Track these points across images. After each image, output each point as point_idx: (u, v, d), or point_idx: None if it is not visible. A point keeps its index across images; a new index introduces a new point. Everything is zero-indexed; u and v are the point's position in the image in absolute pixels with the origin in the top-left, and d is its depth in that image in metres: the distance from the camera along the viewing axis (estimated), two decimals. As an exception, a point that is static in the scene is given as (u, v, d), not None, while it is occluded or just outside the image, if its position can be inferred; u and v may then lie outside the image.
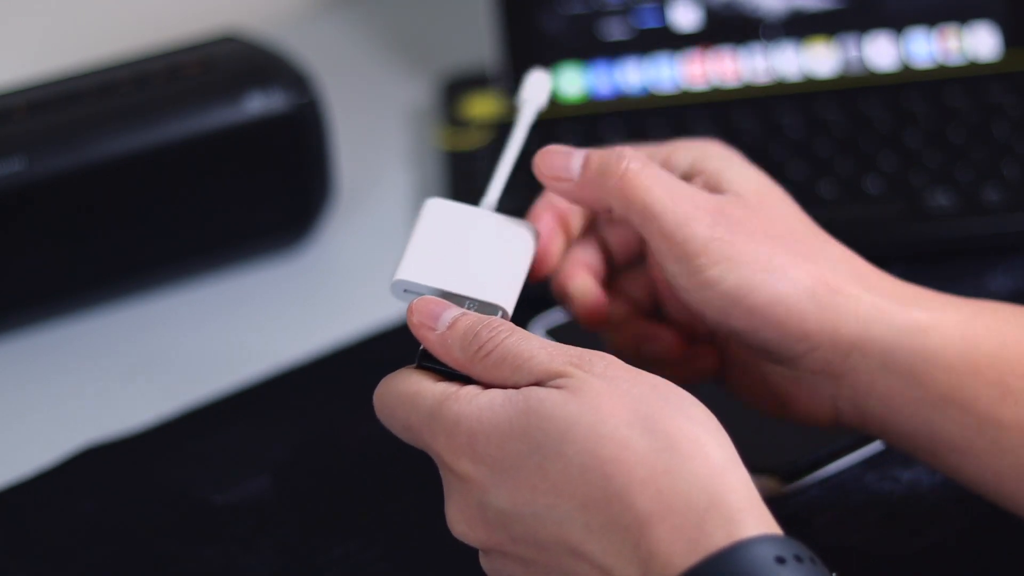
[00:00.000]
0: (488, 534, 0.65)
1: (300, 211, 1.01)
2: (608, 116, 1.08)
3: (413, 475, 0.85)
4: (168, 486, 0.85)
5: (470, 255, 0.71)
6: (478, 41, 1.13)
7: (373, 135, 1.13)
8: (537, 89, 0.79)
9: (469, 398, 0.64)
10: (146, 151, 0.95)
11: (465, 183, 1.04)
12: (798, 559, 0.60)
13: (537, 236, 0.74)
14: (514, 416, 0.63)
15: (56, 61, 1.09)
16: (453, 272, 0.70)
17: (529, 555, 0.64)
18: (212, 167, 0.97)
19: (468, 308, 0.68)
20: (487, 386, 0.66)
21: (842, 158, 1.03)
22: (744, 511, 0.61)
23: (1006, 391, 0.71)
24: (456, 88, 1.12)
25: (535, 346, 0.65)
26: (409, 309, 0.68)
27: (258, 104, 0.96)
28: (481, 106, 1.10)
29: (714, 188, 0.74)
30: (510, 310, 0.69)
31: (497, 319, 0.66)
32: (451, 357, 0.66)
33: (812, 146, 1.04)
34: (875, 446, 0.82)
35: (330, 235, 1.04)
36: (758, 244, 0.72)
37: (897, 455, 0.82)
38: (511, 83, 1.09)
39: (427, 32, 1.23)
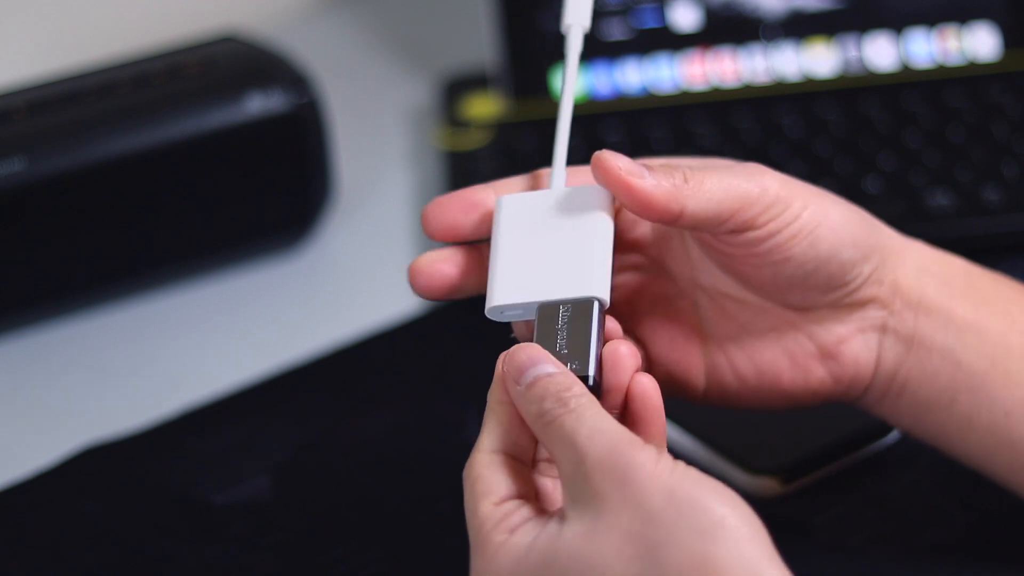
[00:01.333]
0: None
1: (300, 211, 1.01)
2: (608, 116, 1.08)
3: (413, 475, 0.85)
4: (168, 486, 0.85)
5: (554, 250, 0.70)
6: (478, 41, 1.13)
7: (373, 135, 1.13)
8: (579, 9, 0.74)
9: (492, 553, 0.63)
10: (146, 151, 0.95)
11: (465, 183, 1.04)
12: None
13: (611, 200, 0.71)
14: (531, 573, 0.62)
15: (56, 61, 1.09)
16: (541, 277, 0.69)
17: None
18: (212, 167, 0.97)
19: (564, 313, 0.67)
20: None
21: (842, 158, 1.03)
22: None
23: (1013, 320, 0.74)
24: (456, 88, 1.12)
25: (582, 436, 0.62)
26: (500, 358, 0.66)
27: (258, 104, 0.97)
28: (481, 106, 1.10)
29: None
30: (606, 297, 0.67)
31: (572, 388, 0.64)
32: (524, 415, 0.65)
33: (812, 146, 1.04)
34: (875, 447, 0.82)
35: (330, 235, 1.04)
36: (806, 186, 0.73)
37: (897, 455, 0.82)
38: (511, 83, 1.09)
39: (427, 32, 1.23)
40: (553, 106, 1.09)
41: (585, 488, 0.61)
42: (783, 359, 0.74)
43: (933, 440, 0.75)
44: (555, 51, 1.10)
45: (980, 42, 1.09)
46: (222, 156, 0.97)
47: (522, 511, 0.64)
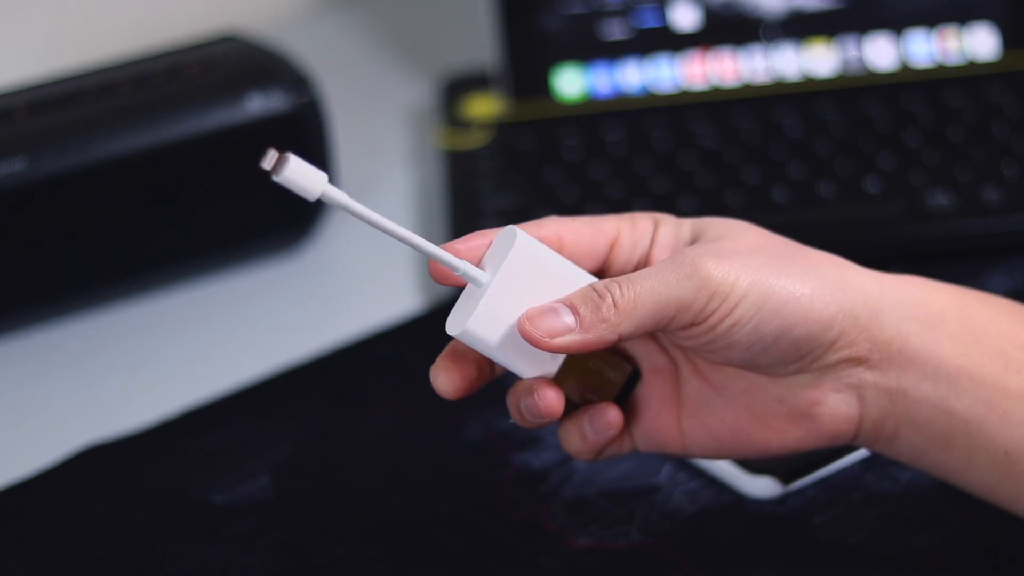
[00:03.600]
0: None
1: (300, 211, 1.01)
2: (608, 116, 1.08)
3: (412, 475, 0.85)
4: (168, 486, 0.85)
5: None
6: (478, 41, 1.13)
7: (373, 135, 1.13)
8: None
9: None
10: (146, 151, 0.95)
11: (465, 183, 1.04)
12: None
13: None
14: None
15: (57, 61, 1.09)
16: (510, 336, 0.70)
17: None
18: (212, 167, 0.97)
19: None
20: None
21: (842, 158, 1.03)
22: None
23: (1008, 360, 0.72)
24: (456, 88, 1.12)
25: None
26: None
27: (258, 104, 0.97)
28: (481, 106, 1.10)
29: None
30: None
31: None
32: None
33: (812, 146, 1.04)
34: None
35: (330, 235, 1.04)
36: (751, 257, 0.72)
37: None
38: (511, 83, 1.09)
39: (427, 32, 1.23)
40: (554, 106, 1.09)
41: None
42: (754, 423, 0.73)
43: (935, 475, 0.73)
44: (555, 51, 1.10)
45: (980, 42, 1.09)
46: (222, 156, 0.97)
47: None
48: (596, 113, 1.08)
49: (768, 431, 0.73)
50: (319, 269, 1.02)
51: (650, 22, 1.10)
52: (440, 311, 0.97)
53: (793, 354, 0.72)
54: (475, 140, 1.07)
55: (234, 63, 0.98)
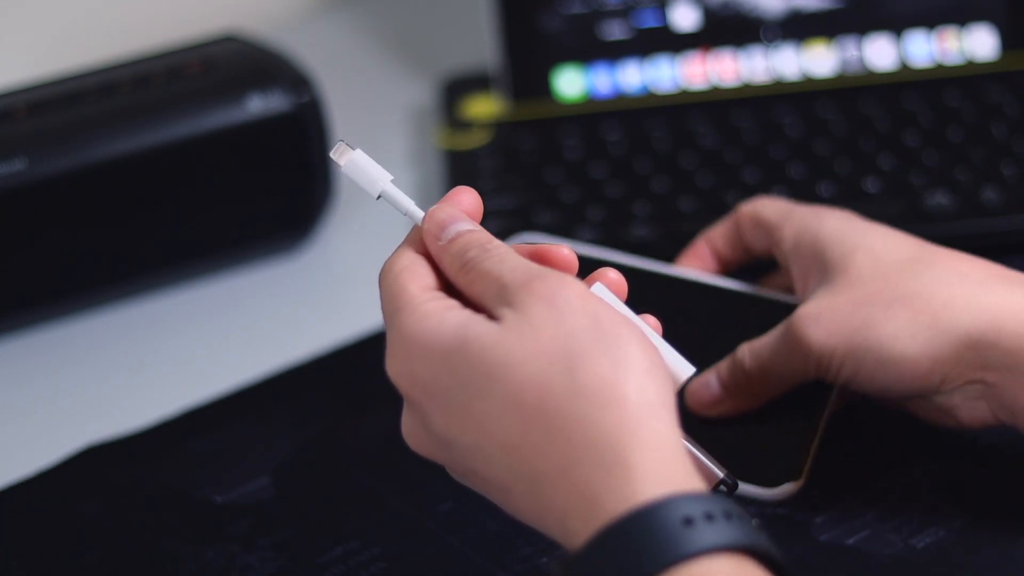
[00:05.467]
0: (432, 451, 0.67)
1: (300, 211, 1.01)
2: (608, 116, 1.08)
3: (412, 475, 0.85)
4: (168, 486, 0.85)
5: None
6: (478, 41, 1.13)
7: (373, 135, 1.13)
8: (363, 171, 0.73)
9: (422, 316, 0.65)
10: (146, 151, 0.95)
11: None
12: (709, 517, 0.60)
13: None
14: (449, 350, 0.64)
15: (57, 62, 1.09)
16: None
17: (475, 476, 0.65)
18: (212, 167, 0.97)
19: None
20: (468, 302, 0.67)
21: (842, 158, 1.03)
22: (647, 470, 0.60)
23: None
24: (456, 88, 1.12)
25: (505, 268, 0.66)
26: (425, 216, 0.69)
27: (258, 104, 0.97)
28: (481, 106, 1.10)
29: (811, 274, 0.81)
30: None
31: (493, 240, 0.68)
32: (446, 269, 0.68)
33: (812, 146, 1.04)
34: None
35: (330, 235, 1.04)
36: (855, 309, 0.77)
37: (897, 456, 0.82)
38: (511, 83, 1.09)
39: (427, 32, 1.23)
40: (554, 106, 1.09)
41: (513, 300, 0.64)
42: (943, 412, 0.79)
43: None
44: (555, 51, 1.10)
45: (979, 44, 1.09)
46: (222, 156, 0.97)
47: (452, 300, 0.67)
48: (596, 113, 1.08)
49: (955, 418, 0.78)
50: (319, 269, 1.02)
51: (650, 22, 1.10)
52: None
53: (907, 396, 0.78)
54: (475, 140, 1.07)
55: (234, 63, 0.98)
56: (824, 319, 0.77)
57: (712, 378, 0.81)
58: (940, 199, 0.99)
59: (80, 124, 0.94)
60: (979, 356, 0.75)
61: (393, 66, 1.20)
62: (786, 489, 0.79)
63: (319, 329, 0.96)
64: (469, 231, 0.68)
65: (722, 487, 0.68)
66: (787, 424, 0.81)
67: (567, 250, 0.69)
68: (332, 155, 0.70)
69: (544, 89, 1.09)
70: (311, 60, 1.04)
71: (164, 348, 0.96)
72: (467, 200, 0.70)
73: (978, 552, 0.77)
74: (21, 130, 0.93)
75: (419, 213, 0.70)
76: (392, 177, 0.71)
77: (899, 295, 0.76)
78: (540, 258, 0.68)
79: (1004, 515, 0.78)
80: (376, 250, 1.03)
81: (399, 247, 0.69)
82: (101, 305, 0.99)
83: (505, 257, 0.66)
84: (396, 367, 0.66)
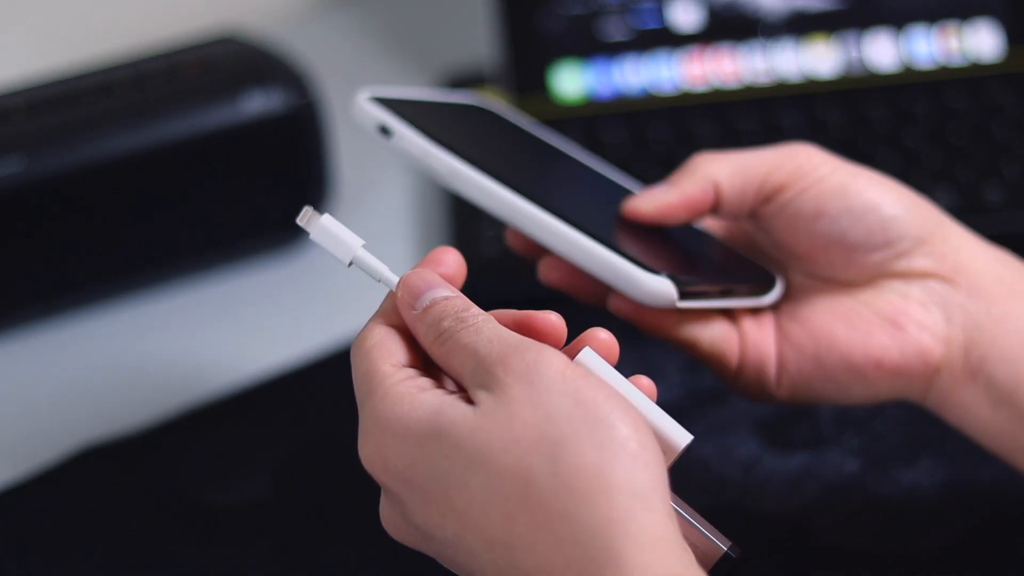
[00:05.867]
0: (415, 542, 0.64)
1: (300, 211, 1.00)
2: (608, 117, 1.08)
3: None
4: (168, 486, 0.85)
5: None
6: (478, 40, 1.13)
7: (373, 135, 1.12)
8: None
9: (395, 399, 0.62)
10: (145, 151, 0.95)
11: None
12: None
13: None
14: (424, 436, 0.60)
15: (55, 61, 1.09)
16: None
17: (461, 570, 0.62)
18: (211, 167, 0.97)
19: None
20: (445, 375, 0.64)
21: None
22: (640, 565, 0.56)
23: None
24: (456, 86, 1.12)
25: (481, 340, 0.62)
26: (399, 283, 0.66)
27: (257, 104, 0.96)
28: (481, 106, 1.10)
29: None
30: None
31: (470, 308, 0.64)
32: (421, 339, 0.65)
33: (812, 146, 1.04)
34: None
35: (330, 235, 1.04)
36: (835, 166, 0.75)
37: (897, 456, 0.82)
38: (511, 83, 1.09)
39: (427, 31, 1.23)
40: (553, 107, 1.09)
41: (489, 380, 0.60)
42: (839, 323, 0.74)
43: (1010, 441, 0.72)
44: (555, 51, 1.10)
45: (981, 40, 1.09)
46: (221, 156, 0.97)
47: (426, 379, 0.63)
48: (596, 114, 1.08)
49: (854, 332, 0.73)
50: (319, 269, 1.02)
51: (650, 22, 1.10)
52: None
53: (879, 234, 0.73)
54: (475, 140, 1.07)
55: (233, 63, 0.98)
56: (810, 149, 0.76)
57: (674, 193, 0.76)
58: (942, 198, 0.99)
59: (78, 124, 0.94)
60: (968, 253, 0.74)
61: (393, 66, 1.20)
62: (662, 286, 0.75)
63: (319, 329, 0.96)
64: (445, 298, 0.65)
65: (726, 558, 0.64)
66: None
67: (554, 317, 0.65)
68: (299, 221, 0.67)
69: (544, 89, 1.09)
70: (311, 60, 1.04)
71: (164, 348, 0.96)
72: (448, 261, 0.67)
73: (980, 555, 0.77)
74: (19, 130, 0.93)
75: (393, 279, 0.67)
76: (364, 242, 0.68)
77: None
78: (523, 326, 0.65)
79: (1004, 518, 0.78)
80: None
81: (370, 320, 0.67)
82: (101, 305, 0.98)
83: (482, 327, 0.63)
84: (369, 453, 0.62)
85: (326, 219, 0.67)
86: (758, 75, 1.09)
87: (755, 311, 0.76)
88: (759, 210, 0.76)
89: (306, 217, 0.67)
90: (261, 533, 0.82)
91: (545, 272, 0.77)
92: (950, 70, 1.08)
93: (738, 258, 0.78)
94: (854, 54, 1.09)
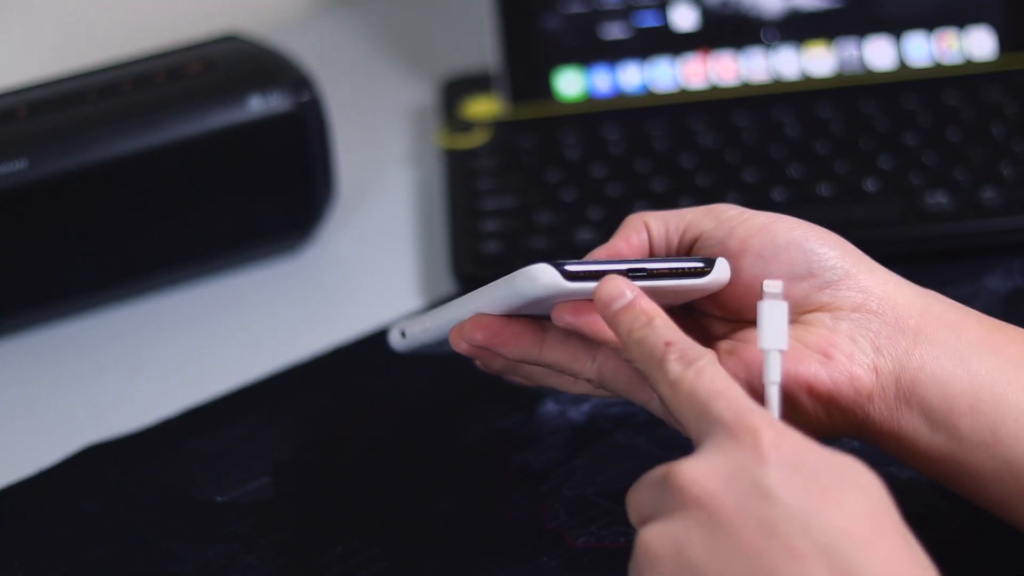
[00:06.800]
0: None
1: (300, 211, 1.01)
2: (608, 115, 1.08)
3: (412, 474, 0.85)
4: (168, 486, 0.85)
5: None
6: (478, 41, 1.13)
7: (373, 135, 1.13)
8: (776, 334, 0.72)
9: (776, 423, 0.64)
10: (147, 151, 0.95)
11: (465, 183, 1.05)
12: None
13: None
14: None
15: (57, 63, 1.09)
16: None
17: None
18: (213, 167, 0.97)
19: None
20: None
21: (841, 158, 1.03)
22: None
23: None
24: (456, 88, 1.12)
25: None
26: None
27: (259, 104, 0.97)
28: (481, 106, 1.10)
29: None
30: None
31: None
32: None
33: (811, 146, 1.04)
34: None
35: (330, 235, 1.04)
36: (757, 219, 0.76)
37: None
38: (511, 83, 1.09)
39: (427, 33, 1.23)
40: (553, 106, 1.09)
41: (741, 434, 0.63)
42: (828, 342, 0.74)
43: (950, 465, 0.72)
44: (555, 51, 1.10)
45: (977, 46, 1.09)
46: (223, 156, 0.97)
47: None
48: (596, 113, 1.08)
49: (784, 361, 0.72)
50: (319, 269, 1.02)
51: (650, 22, 1.10)
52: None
53: (803, 266, 0.74)
54: (475, 140, 1.08)
55: (235, 63, 0.98)
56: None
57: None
58: (939, 199, 0.99)
59: (81, 124, 0.94)
60: (895, 288, 0.74)
61: (393, 66, 1.20)
62: (721, 270, 0.76)
63: (319, 329, 0.96)
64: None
65: None
66: None
67: None
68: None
69: (544, 89, 1.10)
70: (311, 60, 1.04)
71: (164, 348, 0.96)
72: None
73: (976, 551, 0.77)
74: (22, 130, 0.94)
75: None
76: None
77: None
78: None
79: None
80: (376, 250, 1.04)
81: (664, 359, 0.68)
82: (101, 305, 0.99)
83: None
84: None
85: None
86: (757, 74, 1.09)
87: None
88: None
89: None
90: (262, 532, 0.82)
91: (471, 335, 0.77)
92: (946, 69, 1.08)
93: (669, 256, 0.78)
94: (852, 53, 1.09)
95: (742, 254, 0.75)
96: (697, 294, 0.75)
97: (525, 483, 0.84)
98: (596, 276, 0.72)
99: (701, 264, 0.74)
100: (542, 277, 0.72)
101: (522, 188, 1.03)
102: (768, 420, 0.63)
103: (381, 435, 0.88)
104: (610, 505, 0.82)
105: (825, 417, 0.74)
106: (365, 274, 1.02)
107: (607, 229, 0.99)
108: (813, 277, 0.74)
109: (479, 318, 0.76)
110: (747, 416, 0.63)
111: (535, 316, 0.76)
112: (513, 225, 1.01)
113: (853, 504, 0.62)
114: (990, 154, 1.02)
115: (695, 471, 0.62)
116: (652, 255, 0.78)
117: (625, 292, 0.70)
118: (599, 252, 0.78)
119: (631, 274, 0.72)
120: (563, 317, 0.74)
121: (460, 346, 0.77)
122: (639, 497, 0.65)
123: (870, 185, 1.01)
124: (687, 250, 0.77)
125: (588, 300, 0.72)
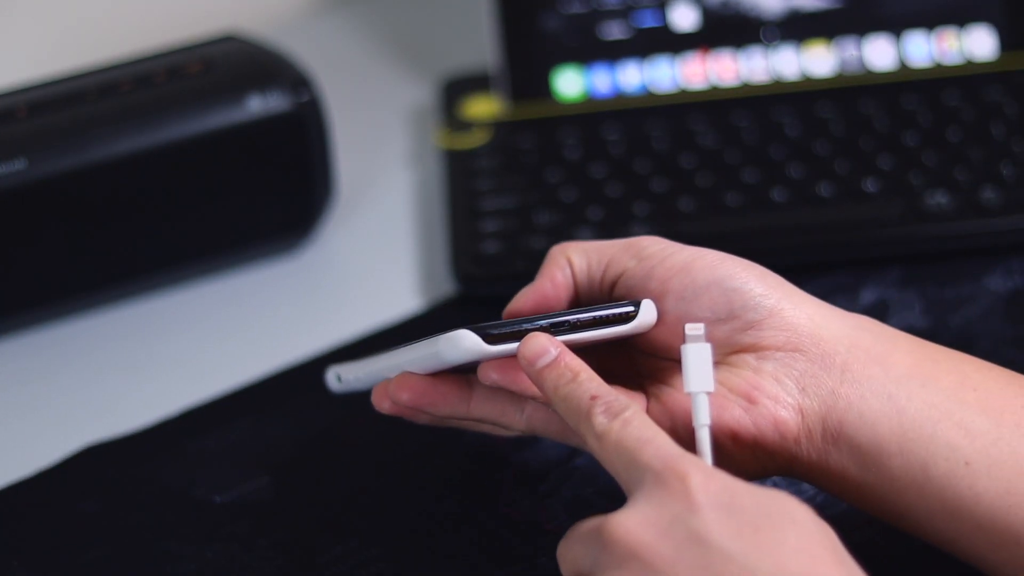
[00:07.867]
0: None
1: (300, 211, 1.01)
2: (607, 115, 1.08)
3: (412, 474, 0.85)
4: (168, 486, 0.86)
5: None
6: (478, 41, 1.13)
7: (373, 135, 1.13)
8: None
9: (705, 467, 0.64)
10: (146, 151, 0.95)
11: (465, 183, 1.05)
12: None
13: None
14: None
15: (57, 63, 1.09)
16: None
17: None
18: (212, 167, 0.97)
19: None
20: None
21: (841, 158, 1.03)
22: None
23: (963, 378, 0.71)
24: (456, 88, 1.12)
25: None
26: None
27: (258, 104, 0.97)
28: (481, 106, 1.10)
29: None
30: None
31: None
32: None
33: (811, 146, 1.04)
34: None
35: (330, 235, 1.04)
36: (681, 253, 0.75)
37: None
38: (511, 83, 1.09)
39: (427, 33, 1.23)
40: (553, 106, 1.09)
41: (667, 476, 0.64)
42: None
43: (883, 503, 0.72)
44: (555, 51, 1.10)
45: (978, 46, 1.09)
46: (222, 156, 0.97)
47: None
48: (596, 113, 1.08)
49: (711, 403, 0.72)
50: (319, 269, 1.02)
51: (649, 22, 1.10)
52: (440, 310, 0.97)
53: (725, 307, 0.73)
54: (475, 140, 1.08)
55: (234, 63, 0.98)
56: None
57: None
58: (939, 199, 0.99)
59: (80, 124, 0.94)
60: (822, 319, 0.73)
61: (393, 66, 1.20)
62: (647, 313, 0.75)
63: (319, 329, 0.96)
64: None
65: None
66: None
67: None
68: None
69: (544, 89, 1.10)
70: (311, 60, 1.04)
71: (164, 348, 0.96)
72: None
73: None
74: (21, 130, 0.93)
75: None
76: None
77: None
78: None
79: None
80: (376, 250, 1.04)
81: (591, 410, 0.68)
82: (101, 305, 0.99)
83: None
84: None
85: None
86: (757, 74, 1.09)
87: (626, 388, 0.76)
88: (609, 296, 0.76)
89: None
90: (261, 533, 0.82)
91: (397, 395, 0.77)
92: (947, 69, 1.08)
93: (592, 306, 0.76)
94: (852, 53, 1.09)
95: (663, 296, 0.74)
96: (625, 337, 0.75)
97: (525, 483, 0.84)
98: (519, 336, 0.72)
99: (627, 310, 0.74)
100: (464, 342, 0.72)
101: (522, 188, 1.03)
102: (696, 464, 0.63)
103: (381, 435, 0.88)
104: (610, 505, 0.82)
105: (752, 460, 0.73)
106: (365, 274, 1.02)
107: (607, 229, 0.99)
108: (735, 319, 0.73)
109: (405, 378, 0.76)
110: (675, 462, 0.63)
111: (463, 370, 0.76)
112: (513, 225, 1.01)
113: (789, 539, 0.62)
114: (990, 154, 1.02)
115: (628, 523, 0.63)
116: (576, 291, 0.78)
117: (549, 349, 0.70)
118: (526, 293, 0.77)
119: (554, 329, 0.72)
120: (489, 376, 0.74)
121: (383, 405, 0.77)
122: (572, 554, 0.65)
123: (870, 185, 1.01)
124: (610, 287, 0.76)
125: (513, 357, 0.72)
